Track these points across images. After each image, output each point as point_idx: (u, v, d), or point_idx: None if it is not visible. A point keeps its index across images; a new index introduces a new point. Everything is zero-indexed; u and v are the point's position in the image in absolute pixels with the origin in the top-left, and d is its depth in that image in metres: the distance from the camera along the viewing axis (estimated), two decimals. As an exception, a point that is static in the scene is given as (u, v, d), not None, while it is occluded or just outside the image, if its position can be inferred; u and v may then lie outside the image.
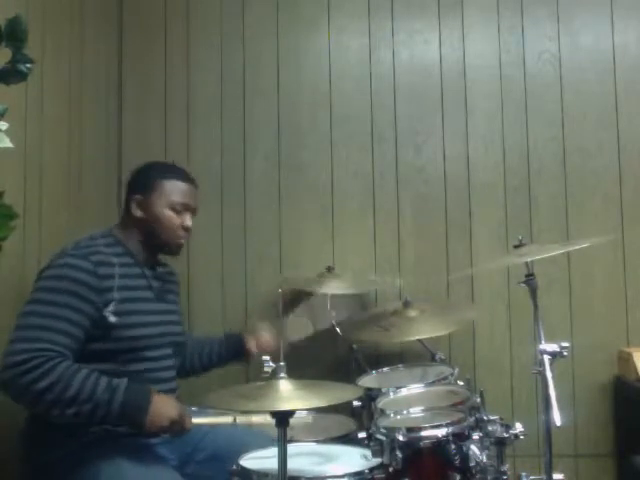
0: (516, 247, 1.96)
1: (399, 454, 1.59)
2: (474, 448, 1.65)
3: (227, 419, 1.76)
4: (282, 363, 1.50)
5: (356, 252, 2.71)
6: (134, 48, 2.83)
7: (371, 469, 1.56)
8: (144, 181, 1.93)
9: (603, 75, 2.71)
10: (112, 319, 1.72)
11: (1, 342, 1.64)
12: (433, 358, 2.31)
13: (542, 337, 1.75)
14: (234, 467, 1.59)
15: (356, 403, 1.97)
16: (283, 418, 1.38)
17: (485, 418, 1.72)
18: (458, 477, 1.63)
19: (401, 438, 1.63)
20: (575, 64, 2.72)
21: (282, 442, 1.38)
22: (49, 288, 1.69)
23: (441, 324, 2.26)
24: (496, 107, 2.73)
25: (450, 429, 1.66)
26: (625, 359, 2.51)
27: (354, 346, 2.42)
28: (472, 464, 1.63)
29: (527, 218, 2.68)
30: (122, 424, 1.66)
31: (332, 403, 1.43)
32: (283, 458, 1.37)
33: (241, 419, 1.77)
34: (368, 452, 1.62)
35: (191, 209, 1.96)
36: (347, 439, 1.85)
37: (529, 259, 1.87)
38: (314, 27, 2.82)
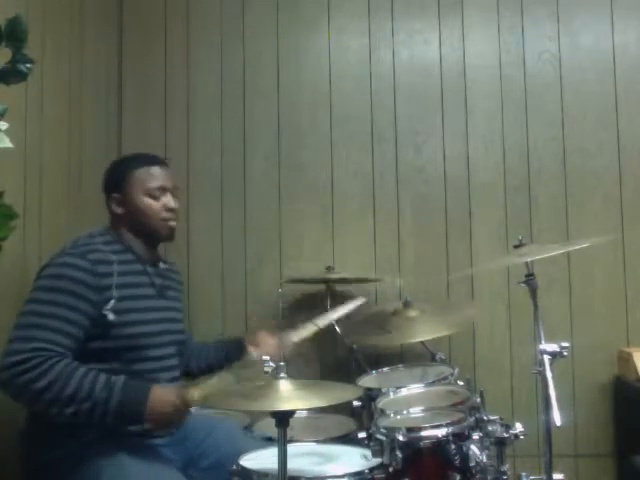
0: (516, 247, 1.96)
1: (399, 454, 1.59)
2: (474, 448, 1.65)
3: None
4: (282, 363, 1.50)
5: (356, 252, 2.71)
6: (134, 48, 2.83)
7: (371, 469, 1.56)
8: (115, 179, 1.93)
9: (603, 75, 2.71)
10: (111, 317, 1.71)
11: (1, 341, 1.64)
12: (433, 358, 2.31)
13: (542, 337, 1.74)
14: (234, 467, 1.59)
15: (356, 403, 1.96)
16: (283, 418, 1.38)
17: (485, 418, 1.71)
18: (458, 477, 1.62)
19: (401, 438, 1.63)
20: (575, 64, 2.72)
21: (282, 442, 1.38)
22: (48, 287, 1.69)
23: (441, 325, 2.26)
24: (496, 107, 2.73)
25: (450, 429, 1.66)
26: (625, 359, 2.51)
27: (354, 346, 2.42)
28: (472, 464, 1.63)
29: (527, 218, 2.68)
30: (122, 422, 1.65)
31: (332, 403, 1.44)
32: (283, 458, 1.37)
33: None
34: (368, 452, 1.62)
35: (169, 189, 1.92)
36: (347, 439, 1.85)
37: (529, 259, 1.87)
38: (314, 27, 2.82)
